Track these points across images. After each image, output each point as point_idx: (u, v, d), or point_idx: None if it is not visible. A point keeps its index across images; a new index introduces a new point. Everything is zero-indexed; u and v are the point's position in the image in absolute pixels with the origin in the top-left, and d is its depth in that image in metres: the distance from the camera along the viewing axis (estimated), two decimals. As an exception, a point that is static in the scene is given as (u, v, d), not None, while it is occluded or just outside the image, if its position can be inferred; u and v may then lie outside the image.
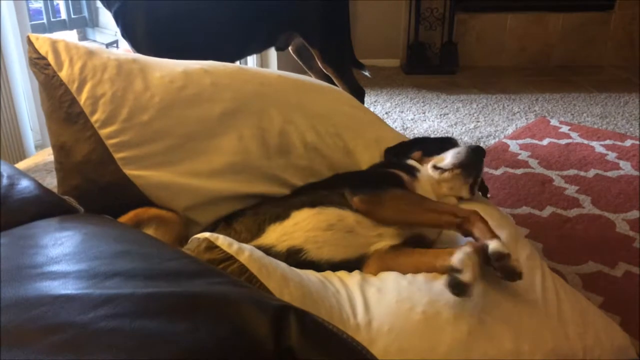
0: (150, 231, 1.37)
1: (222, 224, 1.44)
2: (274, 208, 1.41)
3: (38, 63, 1.47)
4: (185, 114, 1.50)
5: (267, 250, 1.26)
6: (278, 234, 1.33)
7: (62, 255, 0.85)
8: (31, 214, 1.07)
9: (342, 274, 1.24)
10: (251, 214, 1.43)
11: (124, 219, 1.37)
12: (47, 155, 1.80)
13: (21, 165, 1.80)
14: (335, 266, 1.29)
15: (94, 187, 1.43)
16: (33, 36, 1.50)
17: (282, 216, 1.37)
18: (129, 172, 1.43)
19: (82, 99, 1.43)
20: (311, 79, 1.89)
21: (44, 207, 1.11)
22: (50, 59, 1.46)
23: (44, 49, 1.47)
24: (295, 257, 1.29)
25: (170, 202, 1.45)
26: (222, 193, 1.50)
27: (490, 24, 4.49)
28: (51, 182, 1.60)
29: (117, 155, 1.43)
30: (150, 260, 0.85)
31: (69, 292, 0.75)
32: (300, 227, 1.33)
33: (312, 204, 1.38)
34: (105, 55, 1.52)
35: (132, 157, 1.44)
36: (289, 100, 1.66)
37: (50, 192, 1.18)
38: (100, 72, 1.47)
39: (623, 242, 2.22)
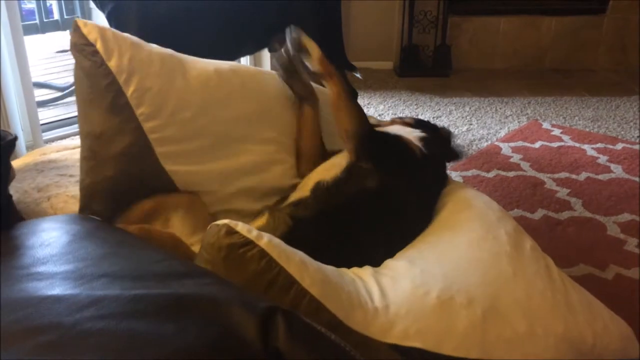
0: (178, 215, 1.40)
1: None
2: None
3: (85, 49, 1.42)
4: (220, 114, 1.53)
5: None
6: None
7: (49, 256, 0.85)
8: None
9: (354, 269, 1.27)
10: None
11: (147, 204, 1.40)
12: (38, 155, 1.79)
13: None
14: None
15: (127, 179, 1.42)
16: (81, 21, 1.44)
17: None
18: (168, 167, 1.44)
19: (130, 91, 1.41)
20: None
21: None
22: (99, 46, 1.41)
23: (92, 35, 1.42)
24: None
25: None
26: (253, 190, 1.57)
27: (484, 27, 4.50)
28: (42, 181, 1.59)
29: (159, 150, 1.43)
30: (138, 262, 0.85)
31: (55, 293, 0.74)
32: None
33: None
34: (147, 48, 1.51)
35: (172, 152, 1.44)
36: None
37: None
38: (147, 65, 1.45)
39: (614, 245, 2.23)
